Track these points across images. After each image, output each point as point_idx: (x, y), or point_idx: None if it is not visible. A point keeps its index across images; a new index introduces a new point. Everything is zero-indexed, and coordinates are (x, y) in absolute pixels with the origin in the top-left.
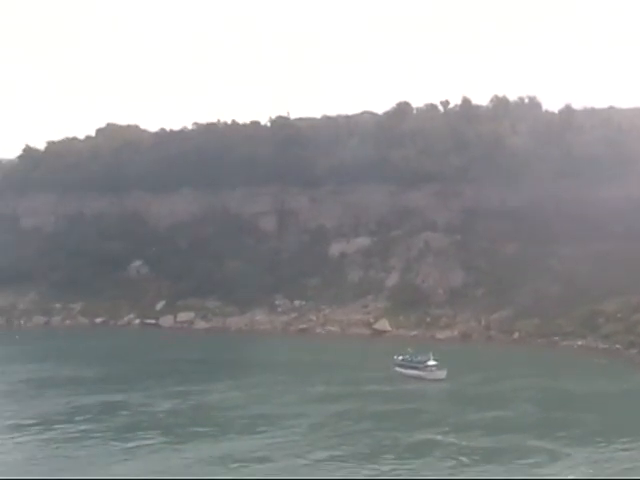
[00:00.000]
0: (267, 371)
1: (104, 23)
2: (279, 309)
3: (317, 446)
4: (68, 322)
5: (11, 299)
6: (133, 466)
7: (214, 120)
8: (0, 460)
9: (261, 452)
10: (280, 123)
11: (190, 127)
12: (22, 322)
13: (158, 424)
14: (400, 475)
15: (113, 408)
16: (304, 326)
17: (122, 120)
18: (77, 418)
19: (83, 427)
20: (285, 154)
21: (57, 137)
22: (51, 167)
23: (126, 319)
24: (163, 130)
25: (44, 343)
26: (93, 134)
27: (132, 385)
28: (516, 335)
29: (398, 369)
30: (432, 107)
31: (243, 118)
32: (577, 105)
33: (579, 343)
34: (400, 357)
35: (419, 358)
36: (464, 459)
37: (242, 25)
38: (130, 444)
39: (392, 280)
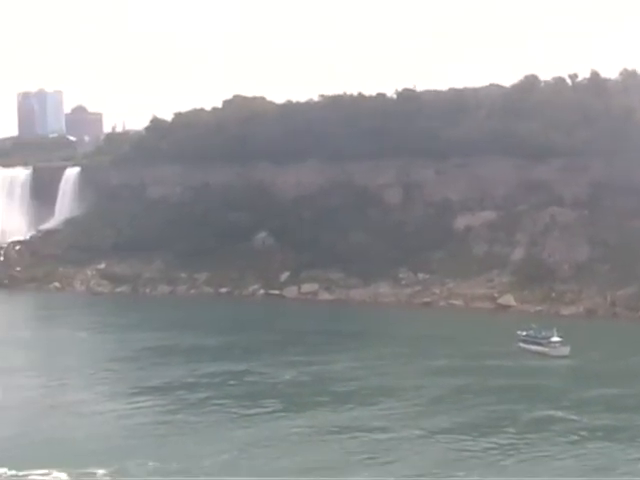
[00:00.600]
0: (389, 344)
1: None
2: (403, 282)
3: (435, 418)
4: (193, 292)
5: (137, 268)
6: (252, 433)
7: (340, 92)
8: (123, 424)
9: (379, 422)
10: (406, 95)
11: (316, 99)
12: (147, 290)
13: (278, 393)
14: (520, 449)
15: (235, 376)
16: (427, 299)
17: (249, 92)
18: (198, 385)
19: (204, 394)
20: (411, 126)
21: (184, 108)
22: (178, 138)
23: (250, 289)
24: (289, 102)
25: (169, 312)
26: (220, 105)
27: (254, 354)
28: None
29: (521, 344)
30: (560, 80)
31: (369, 90)
32: None
33: None
34: (524, 332)
35: (543, 334)
36: (584, 434)
37: None
38: (249, 411)
39: (517, 254)
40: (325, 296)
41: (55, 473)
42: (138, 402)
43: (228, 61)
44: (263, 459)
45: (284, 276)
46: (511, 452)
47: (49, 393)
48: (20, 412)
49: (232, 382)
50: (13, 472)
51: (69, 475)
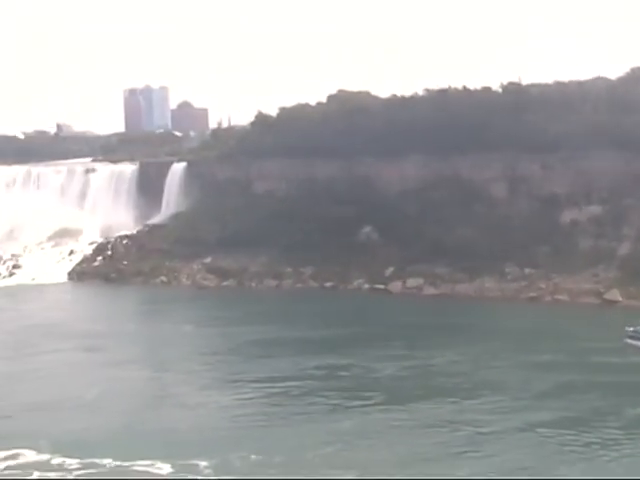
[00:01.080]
0: (494, 338)
1: None
2: (509, 277)
3: (539, 413)
4: (299, 286)
5: (243, 262)
6: (354, 425)
7: (445, 86)
8: (226, 416)
9: (482, 416)
10: (512, 89)
11: (421, 93)
12: (253, 285)
13: (381, 386)
14: (623, 445)
15: (338, 369)
16: (533, 294)
17: (353, 86)
18: (301, 378)
19: (306, 387)
20: (516, 120)
21: (289, 103)
22: (283, 133)
23: (355, 284)
24: (394, 96)
25: (274, 306)
26: (324, 100)
27: (358, 348)
28: None
29: (629, 341)
30: None
31: (474, 84)
32: None
33: None
34: (631, 328)
35: None
36: None
37: None
38: (352, 403)
39: (624, 249)
40: (430, 291)
41: (159, 464)
42: (241, 394)
43: (333, 55)
44: (365, 452)
45: (389, 271)
46: (615, 447)
47: (153, 385)
48: (125, 404)
49: (335, 375)
50: (118, 462)
51: (172, 466)
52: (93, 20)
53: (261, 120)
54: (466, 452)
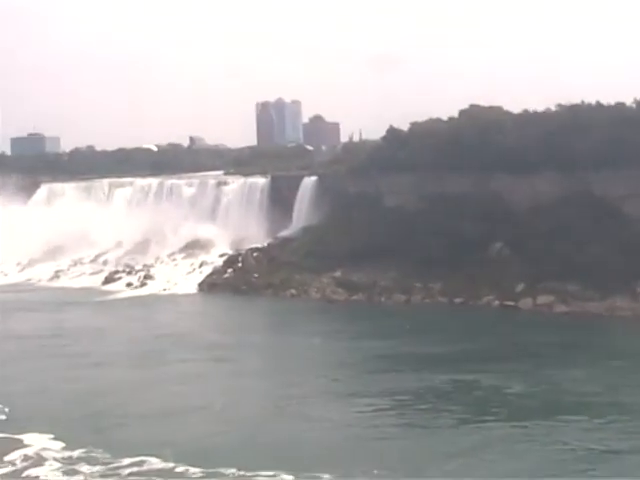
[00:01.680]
0: (624, 358)
1: None
2: None
3: None
4: (427, 301)
5: (372, 276)
6: (478, 440)
7: (577, 101)
8: (350, 429)
9: (609, 435)
10: None
11: (553, 109)
12: (383, 299)
13: (507, 402)
14: None
15: (464, 385)
16: None
17: (485, 101)
18: (425, 393)
19: (429, 401)
20: None
21: (421, 118)
22: (414, 148)
23: (485, 300)
24: (526, 111)
25: (403, 320)
26: (456, 115)
27: (484, 365)
28: None
29: None
30: None
31: (607, 99)
32: None
33: None
34: None
35: None
36: None
37: None
38: (474, 419)
39: None
40: (561, 308)
41: (282, 475)
42: (365, 407)
43: (464, 70)
44: (488, 466)
45: (519, 287)
46: None
47: (279, 397)
48: (250, 414)
49: (460, 391)
50: (242, 472)
51: (296, 478)
52: (228, 34)
53: (392, 135)
54: (593, 469)
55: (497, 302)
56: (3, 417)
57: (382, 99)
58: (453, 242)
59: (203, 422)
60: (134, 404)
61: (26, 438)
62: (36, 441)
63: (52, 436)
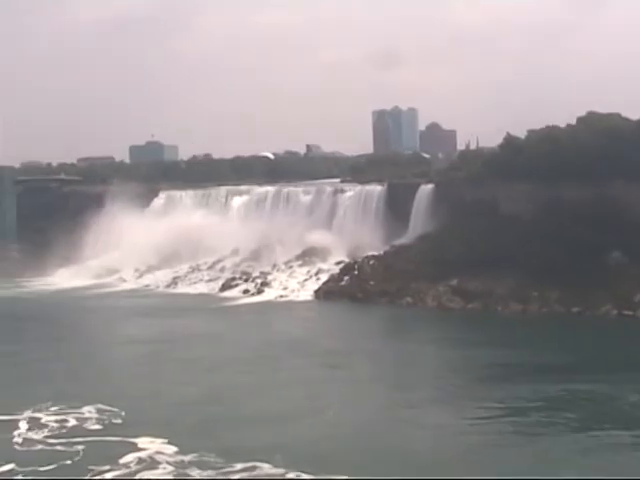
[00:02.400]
0: None
1: None
2: None
3: None
4: (544, 310)
5: (489, 284)
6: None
7: None
8: (461, 436)
9: None
10: None
11: None
12: (499, 308)
13: (622, 414)
14: None
15: (577, 396)
16: None
17: (603, 108)
18: (538, 402)
19: (543, 413)
20: None
21: (538, 126)
22: (531, 155)
23: (603, 310)
24: None
25: (518, 330)
26: (574, 122)
27: (599, 375)
28: None
29: None
30: None
31: None
32: None
33: None
34: None
35: None
36: None
37: None
38: (590, 431)
39: None
40: None
41: None
42: (477, 416)
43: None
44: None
45: (638, 296)
46: None
47: (392, 404)
48: (362, 421)
49: (574, 400)
50: (353, 479)
51: None
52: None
53: (510, 142)
54: None
55: (615, 311)
56: (119, 421)
57: (497, 106)
58: (570, 250)
59: (315, 427)
60: (247, 409)
61: (140, 442)
62: (150, 445)
63: (165, 440)
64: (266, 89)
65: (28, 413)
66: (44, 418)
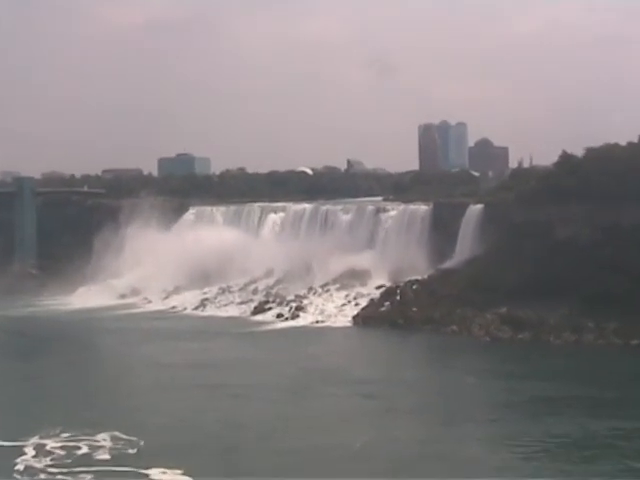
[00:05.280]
0: None
1: None
2: None
3: None
4: (600, 342)
5: (541, 313)
6: None
7: None
8: (502, 473)
9: None
10: None
11: None
12: (551, 338)
13: None
14: None
15: (625, 434)
16: None
17: None
18: (584, 440)
19: (588, 450)
20: None
21: (597, 143)
22: (589, 175)
23: None
24: None
25: (570, 362)
26: (635, 140)
27: None
28: None
29: None
30: None
31: None
32: None
33: None
34: None
35: None
36: None
37: None
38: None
39: None
40: None
41: None
42: (519, 453)
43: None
44: None
45: None
46: None
47: (426, 437)
48: (393, 455)
49: (622, 438)
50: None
51: None
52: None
53: (565, 161)
54: None
55: None
56: (134, 450)
57: (552, 122)
58: (630, 278)
59: (341, 461)
60: (270, 439)
61: (152, 473)
62: (162, 476)
63: (180, 471)
64: (303, 99)
65: (35, 439)
66: (52, 444)
